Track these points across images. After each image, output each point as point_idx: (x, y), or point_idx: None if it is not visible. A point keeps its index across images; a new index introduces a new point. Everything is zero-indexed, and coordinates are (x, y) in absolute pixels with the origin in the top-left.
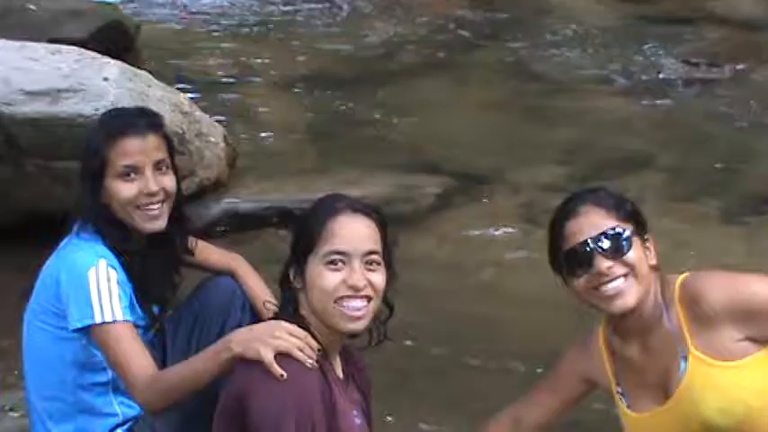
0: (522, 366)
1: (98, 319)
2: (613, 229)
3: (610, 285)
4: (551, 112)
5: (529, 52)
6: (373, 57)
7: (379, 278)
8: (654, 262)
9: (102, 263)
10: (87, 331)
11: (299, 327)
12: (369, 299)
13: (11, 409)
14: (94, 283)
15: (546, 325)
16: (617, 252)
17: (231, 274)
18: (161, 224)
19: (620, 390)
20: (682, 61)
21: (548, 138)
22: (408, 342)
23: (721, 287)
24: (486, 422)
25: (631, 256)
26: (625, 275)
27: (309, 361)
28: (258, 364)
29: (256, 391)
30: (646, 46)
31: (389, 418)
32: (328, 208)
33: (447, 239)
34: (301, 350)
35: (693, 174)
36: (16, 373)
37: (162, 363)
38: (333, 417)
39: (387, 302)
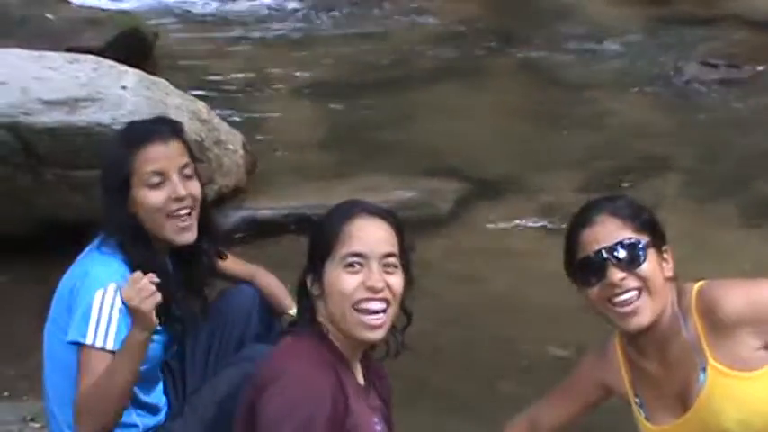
0: (541, 372)
1: (89, 341)
2: (629, 239)
3: (623, 298)
4: (570, 115)
5: (546, 56)
6: (391, 62)
7: (397, 281)
8: (671, 274)
9: (111, 287)
10: (77, 347)
11: (317, 335)
12: (387, 302)
13: (32, 419)
14: (98, 305)
15: (565, 331)
16: (631, 263)
17: (251, 281)
18: (191, 237)
19: (637, 400)
20: (700, 63)
21: (566, 142)
22: (426, 348)
23: (737, 295)
24: (503, 426)
25: (645, 268)
26: (639, 289)
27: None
28: (276, 375)
29: (266, 395)
30: (664, 48)
31: (408, 426)
32: (345, 212)
33: (466, 244)
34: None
35: (712, 176)
36: (37, 383)
37: (181, 374)
38: (343, 425)
39: (404, 310)
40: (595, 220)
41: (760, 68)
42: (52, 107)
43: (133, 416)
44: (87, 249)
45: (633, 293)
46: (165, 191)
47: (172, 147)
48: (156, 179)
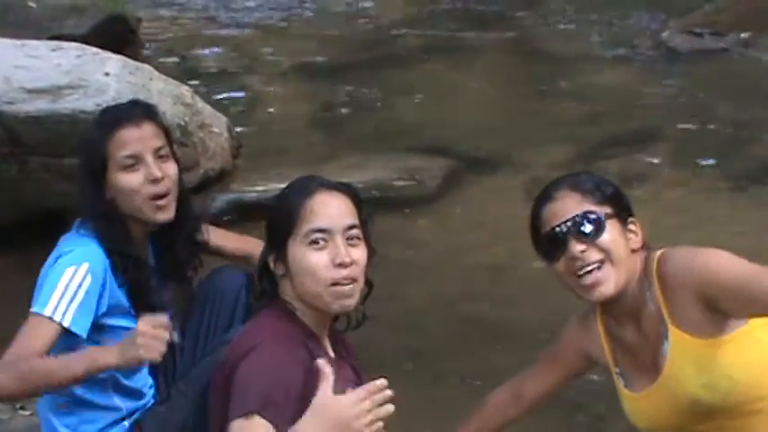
0: (530, 344)
1: (47, 313)
2: (587, 212)
3: (587, 273)
4: (556, 88)
5: (531, 29)
6: (376, 41)
7: (361, 253)
8: (637, 246)
9: (84, 266)
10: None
11: (284, 312)
12: (354, 280)
13: (21, 408)
14: (66, 281)
15: (553, 303)
16: (591, 235)
17: (249, 257)
18: (169, 215)
19: (618, 370)
20: (686, 32)
21: (553, 115)
22: (417, 324)
23: (684, 262)
24: (487, 396)
25: (605, 239)
26: (601, 261)
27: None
28: (249, 348)
29: (242, 364)
30: (648, 18)
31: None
32: (303, 189)
33: (454, 221)
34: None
35: (700, 144)
36: None
37: (171, 358)
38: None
39: (366, 280)
40: (556, 196)
41: (744, 36)
42: (36, 95)
43: (115, 399)
44: (65, 235)
45: (595, 265)
46: (141, 173)
47: (145, 129)
48: (130, 161)
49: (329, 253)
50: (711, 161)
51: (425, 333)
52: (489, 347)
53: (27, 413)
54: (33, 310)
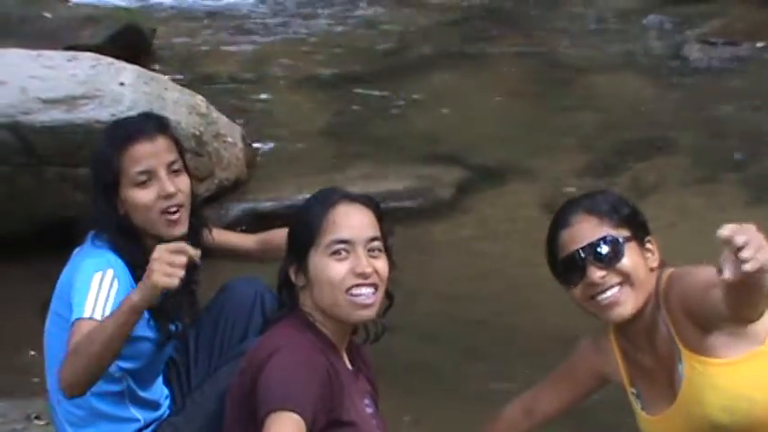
0: (545, 356)
1: (87, 315)
2: (605, 237)
3: (604, 295)
4: (569, 98)
5: (545, 38)
6: (389, 50)
7: (383, 265)
8: (655, 264)
9: (110, 272)
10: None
11: (304, 323)
12: (375, 287)
13: (37, 417)
14: (96, 285)
15: (568, 316)
16: (610, 260)
17: (263, 249)
18: (182, 229)
19: (634, 391)
20: (700, 41)
21: (567, 125)
22: (430, 333)
23: (675, 284)
24: (499, 410)
25: (625, 263)
26: (620, 284)
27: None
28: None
29: (266, 366)
30: (662, 27)
31: (410, 409)
32: (325, 200)
33: (467, 230)
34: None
35: (715, 155)
36: (41, 381)
37: (185, 369)
38: (341, 404)
39: (387, 293)
40: (572, 221)
41: (759, 45)
42: (51, 105)
43: (131, 410)
44: (80, 248)
45: (615, 289)
46: (154, 189)
47: (158, 144)
48: (143, 177)
49: (350, 263)
50: (726, 171)
51: (440, 343)
52: (505, 358)
53: (42, 423)
54: (74, 318)
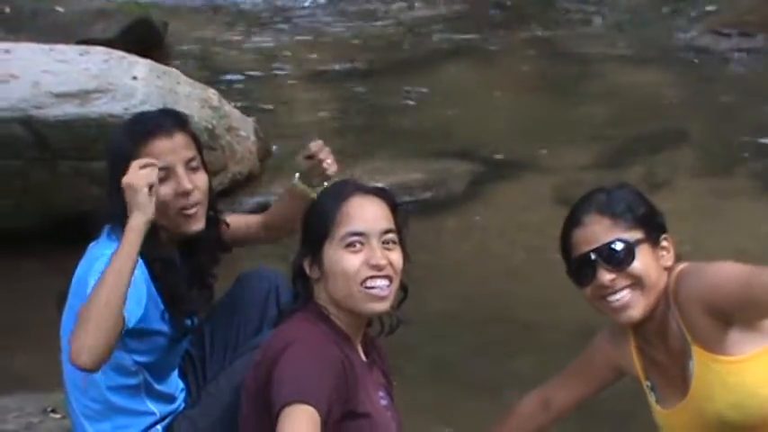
0: (557, 351)
1: None
2: (617, 240)
3: (614, 297)
4: (581, 90)
5: (555, 31)
6: (400, 45)
7: (397, 257)
8: (669, 262)
9: None
10: None
11: (318, 315)
12: (390, 279)
13: (53, 411)
14: None
15: (581, 310)
16: (620, 264)
17: (265, 232)
18: (199, 226)
19: (649, 384)
20: (713, 32)
21: (578, 117)
22: (441, 327)
23: (689, 278)
24: (516, 402)
25: (636, 266)
26: (630, 286)
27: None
28: (286, 344)
29: (281, 359)
30: (675, 18)
31: (422, 403)
32: (339, 192)
33: (480, 223)
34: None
35: (727, 146)
36: (57, 375)
37: (201, 362)
38: (355, 396)
39: (402, 285)
40: (585, 221)
41: None
42: (64, 100)
43: (147, 404)
44: (96, 241)
45: (625, 292)
46: (171, 185)
47: (177, 140)
48: (161, 173)
49: (365, 255)
50: (738, 162)
51: (451, 338)
52: (517, 353)
53: (57, 416)
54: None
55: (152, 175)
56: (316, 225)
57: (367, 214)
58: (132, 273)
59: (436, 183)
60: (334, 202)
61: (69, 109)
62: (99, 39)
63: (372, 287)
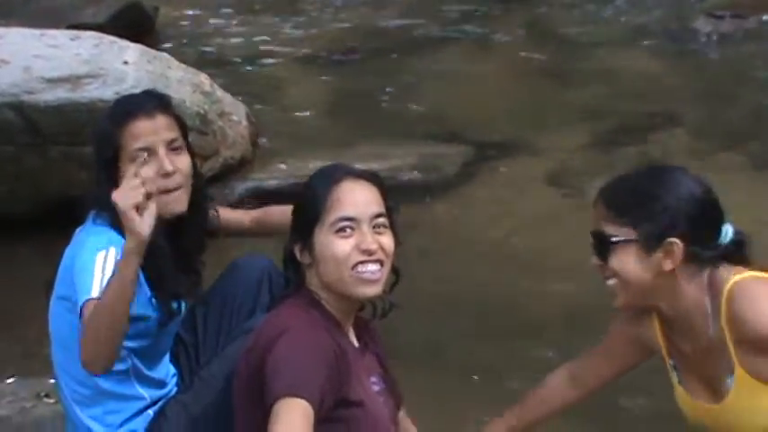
0: (552, 332)
1: (95, 294)
2: (599, 233)
3: (606, 281)
4: (575, 73)
5: (549, 14)
6: (392, 28)
7: (388, 241)
8: (668, 267)
9: (112, 250)
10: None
11: (309, 301)
12: (381, 263)
13: (46, 396)
14: (101, 264)
15: (574, 291)
16: (602, 257)
17: (255, 227)
18: (181, 208)
19: (672, 363)
20: (706, 15)
21: (571, 100)
22: (439, 310)
23: (743, 310)
24: (545, 378)
25: (612, 263)
26: (614, 277)
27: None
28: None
29: (273, 349)
30: (668, 1)
31: (422, 387)
32: (329, 177)
33: (473, 207)
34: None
35: (721, 129)
36: (49, 360)
37: (193, 347)
38: (348, 383)
39: (393, 269)
40: (596, 202)
41: (766, 18)
42: (55, 85)
43: (137, 388)
44: (81, 227)
45: (611, 280)
46: (153, 166)
47: (158, 121)
48: (142, 154)
49: (356, 240)
50: (732, 146)
51: (445, 322)
52: (510, 336)
53: (51, 401)
54: (82, 300)
55: (138, 195)
56: (305, 211)
57: (357, 199)
58: (134, 287)
59: (429, 166)
60: (325, 187)
61: (60, 94)
62: (89, 24)
63: (363, 271)
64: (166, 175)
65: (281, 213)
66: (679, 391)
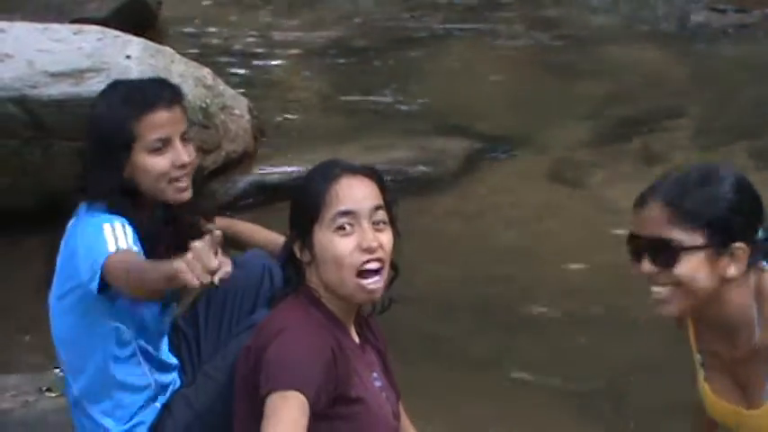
0: (552, 326)
1: (113, 249)
2: (666, 239)
3: (654, 288)
4: (577, 66)
5: (552, 8)
6: (394, 23)
7: (388, 238)
8: (732, 274)
9: (117, 222)
10: (103, 274)
11: (309, 299)
12: (381, 262)
13: (48, 390)
14: (110, 231)
15: (575, 284)
16: (663, 263)
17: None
18: (188, 195)
19: (699, 358)
20: (709, 9)
21: (574, 94)
22: (437, 305)
23: None
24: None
25: (678, 271)
26: (672, 284)
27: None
28: (276, 332)
29: (271, 346)
30: None
31: (420, 383)
32: (327, 174)
33: (475, 201)
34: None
35: (725, 123)
36: (52, 353)
37: (195, 342)
38: (348, 381)
39: (392, 264)
40: (648, 204)
41: None
42: (58, 79)
43: (146, 371)
44: (75, 219)
45: (664, 288)
46: (168, 157)
47: (175, 112)
48: (158, 144)
49: (356, 238)
50: (735, 140)
51: (446, 316)
52: (511, 331)
53: (53, 395)
54: (102, 259)
55: (207, 277)
56: (304, 208)
57: (356, 194)
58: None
59: (431, 161)
60: (323, 184)
61: (64, 88)
62: (93, 18)
63: (368, 282)
64: (182, 166)
65: (250, 232)
66: (706, 389)
